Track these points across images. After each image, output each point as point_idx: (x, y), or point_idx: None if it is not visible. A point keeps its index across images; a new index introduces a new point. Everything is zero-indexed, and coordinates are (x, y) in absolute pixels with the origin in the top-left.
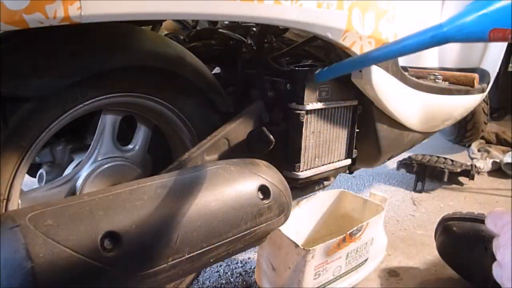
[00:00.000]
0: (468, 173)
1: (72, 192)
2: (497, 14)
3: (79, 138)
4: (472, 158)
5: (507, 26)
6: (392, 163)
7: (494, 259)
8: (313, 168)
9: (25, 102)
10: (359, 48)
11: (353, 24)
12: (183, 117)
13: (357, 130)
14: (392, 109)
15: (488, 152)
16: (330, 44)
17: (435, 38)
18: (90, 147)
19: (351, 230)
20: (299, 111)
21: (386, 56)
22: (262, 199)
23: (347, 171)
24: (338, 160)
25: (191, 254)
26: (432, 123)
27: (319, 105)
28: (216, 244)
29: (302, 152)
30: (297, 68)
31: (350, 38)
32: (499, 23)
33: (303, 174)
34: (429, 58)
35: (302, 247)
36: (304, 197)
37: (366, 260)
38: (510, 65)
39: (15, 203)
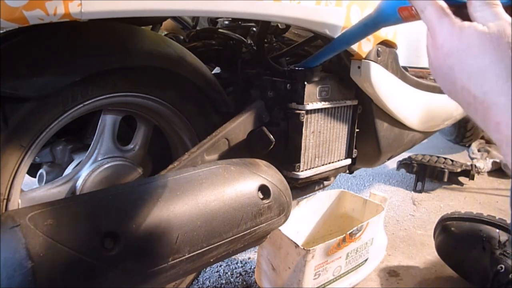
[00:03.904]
0: (468, 173)
1: (72, 192)
2: None
3: (79, 138)
4: (472, 158)
5: (407, 4)
6: (392, 163)
7: (492, 258)
8: (313, 168)
9: (25, 102)
10: (357, 45)
11: (351, 21)
12: (183, 117)
13: (357, 130)
14: (392, 107)
15: (488, 152)
16: (329, 42)
17: (368, 24)
18: (90, 147)
19: (351, 230)
20: (299, 111)
21: (342, 44)
22: (262, 199)
23: (347, 171)
24: (338, 160)
25: (191, 254)
26: (432, 122)
27: (319, 105)
28: (216, 244)
29: (302, 152)
30: (297, 68)
31: None
32: (402, 1)
33: (303, 174)
34: None
35: (302, 247)
36: (304, 197)
37: (366, 260)
38: None
39: (15, 203)
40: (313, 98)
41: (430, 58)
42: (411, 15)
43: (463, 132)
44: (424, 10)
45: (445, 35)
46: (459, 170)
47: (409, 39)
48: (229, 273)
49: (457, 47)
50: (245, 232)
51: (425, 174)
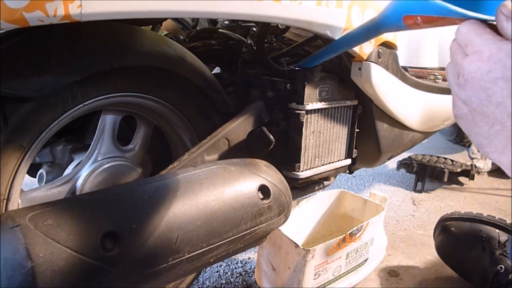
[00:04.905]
0: (468, 173)
1: (72, 192)
2: (406, 2)
3: (79, 138)
4: (472, 158)
5: (413, 13)
6: (392, 163)
7: (492, 259)
8: (313, 168)
9: (25, 102)
10: (358, 46)
11: (352, 22)
12: (183, 117)
13: (357, 130)
14: (392, 108)
15: None
16: (330, 43)
17: (371, 28)
18: (90, 147)
19: (351, 230)
20: (299, 111)
21: (343, 45)
22: (262, 199)
23: (347, 171)
24: (338, 160)
25: (191, 254)
26: (432, 122)
27: (319, 105)
28: (216, 244)
29: (302, 152)
30: (297, 68)
31: None
32: (408, 10)
33: (303, 174)
34: (429, 58)
35: (302, 247)
36: (304, 197)
37: (366, 260)
38: None
39: (15, 203)
40: (313, 98)
41: (469, 69)
42: (416, 24)
43: (463, 132)
44: (460, 26)
45: (491, 49)
46: (459, 170)
47: (409, 40)
48: (229, 273)
49: (504, 62)
50: (245, 232)
51: (425, 174)
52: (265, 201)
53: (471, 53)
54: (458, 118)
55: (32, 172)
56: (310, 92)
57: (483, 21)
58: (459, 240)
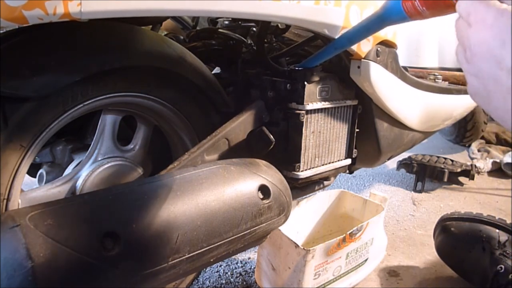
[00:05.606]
0: (468, 173)
1: (72, 192)
2: None
3: (79, 138)
4: (472, 158)
5: None
6: (392, 163)
7: (492, 259)
8: (313, 168)
9: (25, 102)
10: (356, 45)
11: (350, 21)
12: (183, 116)
13: (357, 129)
14: (391, 107)
15: (488, 152)
16: (329, 42)
17: (373, 22)
18: (90, 147)
19: (351, 230)
20: (299, 111)
21: (344, 43)
22: (262, 199)
23: (347, 171)
24: (338, 160)
25: (191, 254)
26: (432, 122)
27: (319, 105)
28: (216, 244)
29: (302, 152)
30: (297, 68)
31: None
32: None
33: (303, 174)
34: (429, 58)
35: (302, 247)
36: (304, 197)
37: (366, 260)
38: None
39: (15, 203)
40: (313, 98)
41: (475, 40)
42: (415, 9)
43: (463, 132)
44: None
45: (494, 13)
46: (459, 170)
47: (409, 39)
48: (229, 273)
49: (509, 24)
50: (245, 232)
51: (425, 174)
52: (265, 201)
53: (475, 23)
54: (473, 95)
55: (32, 172)
56: (310, 92)
57: None
58: (459, 240)
